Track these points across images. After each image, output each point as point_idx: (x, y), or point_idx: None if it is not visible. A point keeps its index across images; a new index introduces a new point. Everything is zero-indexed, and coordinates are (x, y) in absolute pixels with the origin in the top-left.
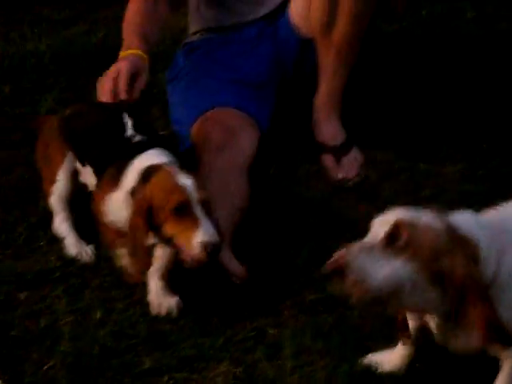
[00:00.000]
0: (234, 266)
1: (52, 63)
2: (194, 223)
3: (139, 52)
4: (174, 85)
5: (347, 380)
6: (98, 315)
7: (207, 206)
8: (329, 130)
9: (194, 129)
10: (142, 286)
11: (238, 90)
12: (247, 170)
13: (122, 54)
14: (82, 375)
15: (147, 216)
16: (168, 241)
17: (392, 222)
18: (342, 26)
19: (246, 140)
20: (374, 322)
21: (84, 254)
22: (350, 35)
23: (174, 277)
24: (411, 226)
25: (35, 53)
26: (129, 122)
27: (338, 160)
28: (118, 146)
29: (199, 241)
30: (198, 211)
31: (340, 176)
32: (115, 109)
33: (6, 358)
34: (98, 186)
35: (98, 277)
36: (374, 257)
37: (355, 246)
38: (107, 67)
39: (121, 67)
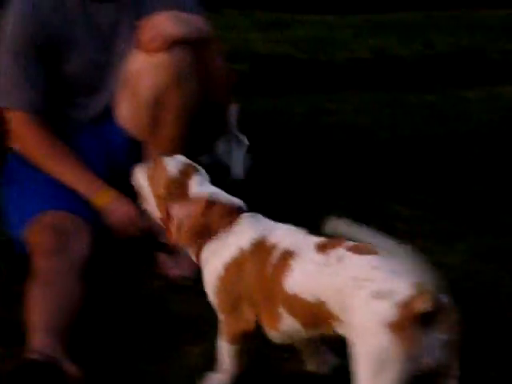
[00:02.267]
0: (68, 367)
1: None
2: None
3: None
4: (9, 186)
5: None
6: None
7: None
8: None
9: (27, 233)
10: None
11: (69, 193)
12: (81, 272)
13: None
14: None
15: None
16: None
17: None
18: (167, 129)
19: (79, 243)
20: None
21: None
22: (176, 137)
23: None
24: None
25: None
26: None
27: (174, 257)
28: None
29: None
30: None
31: (177, 273)
32: None
33: None
34: None
35: None
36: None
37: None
38: None
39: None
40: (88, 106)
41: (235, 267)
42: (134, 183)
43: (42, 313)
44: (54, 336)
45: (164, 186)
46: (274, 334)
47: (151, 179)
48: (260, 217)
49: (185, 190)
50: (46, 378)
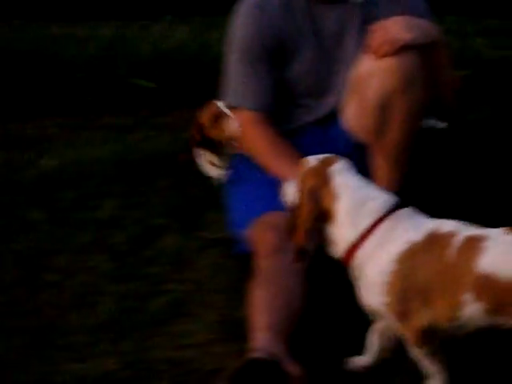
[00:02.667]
0: (291, 367)
1: (114, 169)
2: None
3: None
4: (234, 187)
5: None
6: None
7: None
8: None
9: (250, 232)
10: None
11: None
12: (304, 272)
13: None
14: None
15: None
16: None
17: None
18: (393, 133)
19: None
20: None
21: None
22: (402, 141)
23: None
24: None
25: (99, 159)
26: None
27: None
28: None
29: None
30: None
31: None
32: None
33: None
34: None
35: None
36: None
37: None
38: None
39: None
40: (314, 107)
41: (406, 262)
42: (286, 201)
43: (264, 311)
44: (276, 335)
45: (309, 180)
46: (450, 326)
47: (300, 183)
48: (414, 212)
49: (328, 182)
50: (268, 377)
